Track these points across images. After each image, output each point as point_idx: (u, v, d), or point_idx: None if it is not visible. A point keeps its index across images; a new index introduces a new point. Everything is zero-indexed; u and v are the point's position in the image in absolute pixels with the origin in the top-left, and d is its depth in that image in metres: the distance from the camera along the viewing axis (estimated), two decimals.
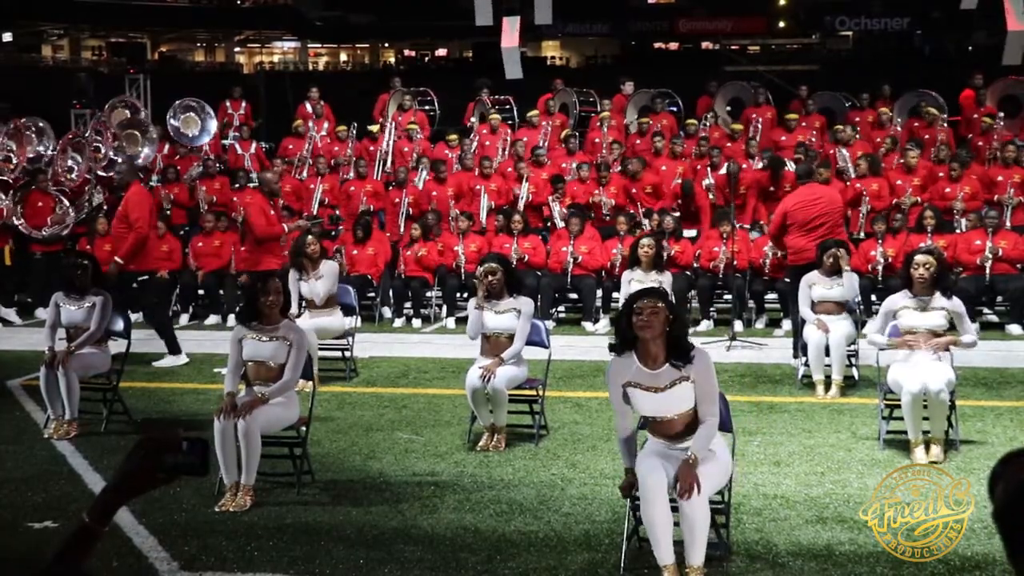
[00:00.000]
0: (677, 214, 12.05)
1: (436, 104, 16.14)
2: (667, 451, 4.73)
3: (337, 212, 12.86)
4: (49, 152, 12.78)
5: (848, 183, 12.35)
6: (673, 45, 40.38)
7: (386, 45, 46.64)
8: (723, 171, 12.28)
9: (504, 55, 15.78)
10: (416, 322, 11.66)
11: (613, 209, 12.20)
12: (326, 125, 14.99)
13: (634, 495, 4.76)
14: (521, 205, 12.57)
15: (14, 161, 12.47)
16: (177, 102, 14.44)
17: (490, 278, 6.89)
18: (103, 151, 12.91)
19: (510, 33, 15.86)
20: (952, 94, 14.96)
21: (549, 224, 12.65)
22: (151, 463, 2.19)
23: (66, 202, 12.45)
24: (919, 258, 6.61)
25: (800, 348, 9.09)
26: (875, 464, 6.39)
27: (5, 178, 12.34)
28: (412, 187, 12.88)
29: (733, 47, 36.53)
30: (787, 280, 10.06)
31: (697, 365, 4.69)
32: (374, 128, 14.68)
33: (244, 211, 10.35)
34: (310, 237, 9.13)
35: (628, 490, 4.74)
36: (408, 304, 11.78)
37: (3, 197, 12.13)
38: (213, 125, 14.42)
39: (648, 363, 4.71)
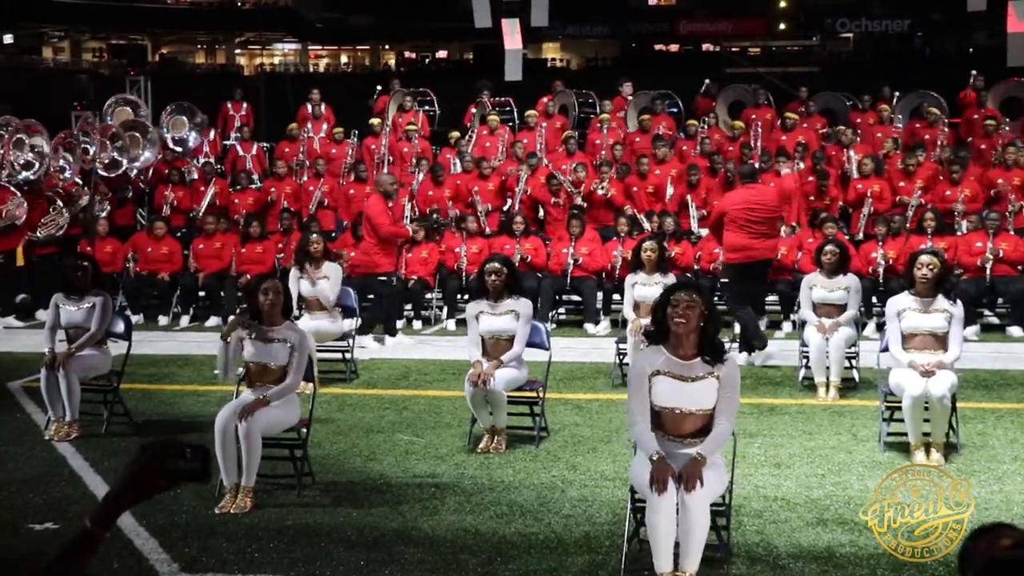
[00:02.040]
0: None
1: (436, 105, 16.15)
2: (672, 450, 4.70)
3: (436, 215, 12.62)
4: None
5: (850, 184, 12.38)
6: (674, 47, 40.41)
7: (386, 47, 46.68)
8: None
9: (507, 57, 15.82)
10: (416, 324, 11.65)
11: (613, 199, 12.25)
12: (325, 127, 15.00)
13: (636, 498, 4.75)
14: (516, 204, 12.58)
15: (37, 165, 12.42)
16: (169, 107, 14.43)
17: (493, 277, 6.89)
18: (92, 152, 12.91)
19: (511, 35, 15.90)
20: (953, 96, 14.97)
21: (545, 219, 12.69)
22: (153, 469, 2.20)
23: (60, 203, 12.45)
24: (923, 258, 6.59)
25: (747, 344, 9.23)
26: (876, 466, 6.38)
27: (9, 182, 12.29)
28: (406, 190, 12.86)
29: (733, 49, 36.54)
30: (724, 279, 10.07)
31: (728, 368, 4.71)
32: (375, 121, 14.70)
33: (365, 213, 10.46)
34: (314, 236, 9.16)
35: (665, 481, 4.47)
36: (408, 306, 11.76)
37: (19, 196, 12.09)
38: (194, 136, 14.35)
39: (679, 354, 4.71)
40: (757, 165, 11.70)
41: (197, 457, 2.23)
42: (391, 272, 10.59)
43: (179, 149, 14.30)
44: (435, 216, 12.41)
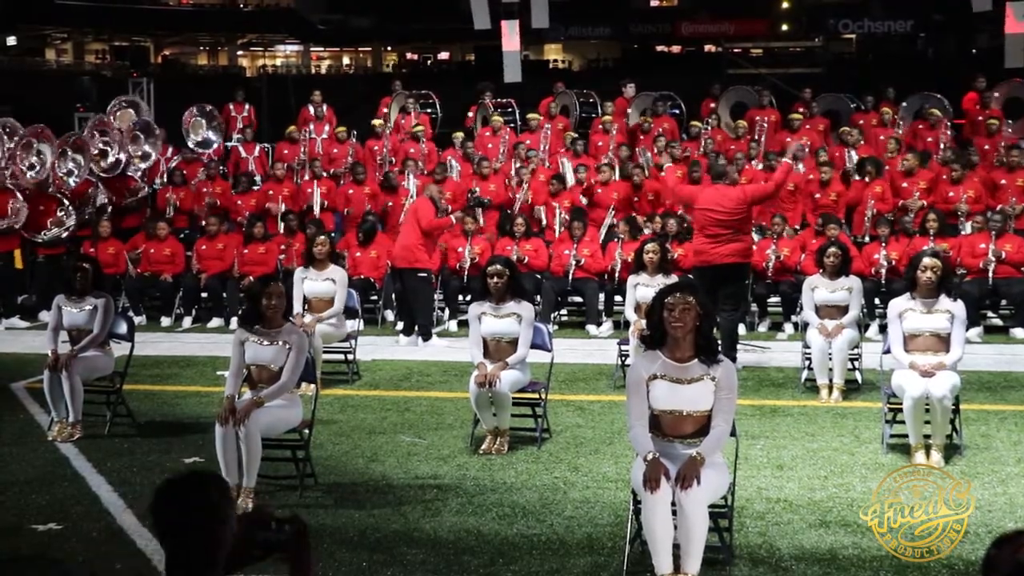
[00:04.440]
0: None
1: (438, 107, 16.16)
2: (671, 451, 4.70)
3: (480, 197, 12.63)
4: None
5: (850, 185, 12.38)
6: (675, 48, 40.43)
7: (388, 48, 46.71)
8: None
9: (505, 59, 15.86)
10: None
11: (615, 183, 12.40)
12: (327, 128, 15.01)
13: (637, 499, 4.75)
14: (517, 207, 12.59)
15: (39, 168, 12.41)
16: (191, 108, 14.49)
17: (495, 280, 6.89)
18: (111, 155, 12.92)
19: (510, 37, 15.95)
20: (955, 97, 14.97)
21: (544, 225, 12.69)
22: (244, 539, 2.27)
23: (68, 204, 12.45)
24: (927, 261, 6.57)
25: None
26: (878, 468, 6.37)
27: (8, 184, 12.27)
28: (404, 190, 12.87)
29: (735, 50, 36.53)
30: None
31: (724, 369, 4.71)
32: (377, 122, 14.71)
33: (414, 211, 10.70)
34: (321, 237, 9.20)
35: (658, 480, 4.50)
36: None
37: (20, 199, 12.09)
38: (215, 136, 14.40)
39: (676, 356, 4.72)
40: (734, 167, 11.75)
41: (282, 530, 2.35)
42: (430, 269, 10.74)
43: (203, 151, 14.34)
44: (476, 195, 12.47)
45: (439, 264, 11.72)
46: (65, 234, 12.39)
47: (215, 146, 14.55)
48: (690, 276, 11.05)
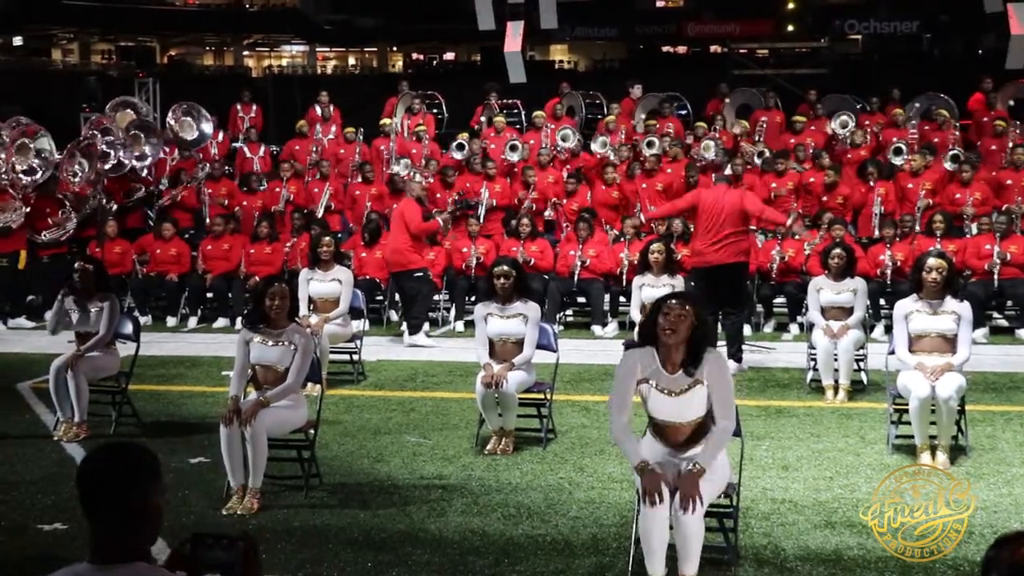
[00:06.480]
0: None
1: (444, 107, 16.17)
2: (669, 459, 4.69)
3: (468, 199, 12.70)
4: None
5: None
6: (681, 49, 40.41)
7: (394, 49, 46.75)
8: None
9: (507, 59, 15.87)
10: (424, 325, 11.64)
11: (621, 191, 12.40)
12: (333, 128, 15.01)
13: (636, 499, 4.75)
14: (523, 207, 12.61)
15: (41, 172, 12.41)
16: (174, 107, 14.46)
17: (502, 280, 6.89)
18: (114, 155, 12.93)
19: (513, 37, 15.97)
20: (962, 98, 14.94)
21: (559, 224, 12.72)
22: (192, 557, 2.35)
23: (69, 206, 12.45)
24: (932, 262, 6.55)
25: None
26: (884, 469, 6.36)
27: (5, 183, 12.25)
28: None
29: (741, 51, 36.53)
30: (693, 284, 9.67)
31: (709, 366, 4.65)
32: (386, 121, 14.71)
33: (398, 212, 10.78)
34: (326, 239, 9.19)
35: (656, 493, 4.43)
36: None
37: (18, 200, 12.10)
38: (208, 127, 14.35)
39: (667, 366, 4.68)
40: (740, 168, 11.77)
41: (232, 548, 2.34)
42: (425, 267, 10.81)
43: (195, 147, 14.32)
44: (463, 199, 12.50)
45: (444, 263, 11.74)
46: (64, 236, 12.38)
47: (209, 138, 14.47)
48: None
